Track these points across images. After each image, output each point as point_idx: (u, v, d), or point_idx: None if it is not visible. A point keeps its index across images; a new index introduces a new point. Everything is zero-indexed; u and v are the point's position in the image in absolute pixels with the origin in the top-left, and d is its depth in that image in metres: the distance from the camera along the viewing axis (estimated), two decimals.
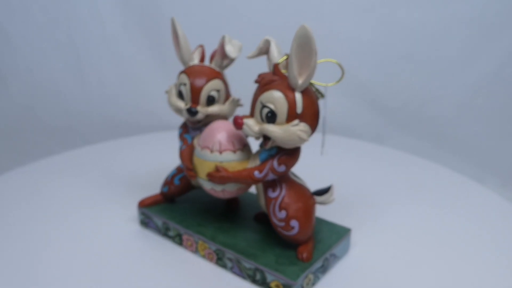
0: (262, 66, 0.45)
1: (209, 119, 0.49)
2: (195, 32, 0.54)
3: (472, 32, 1.06)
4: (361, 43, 1.09)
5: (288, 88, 0.40)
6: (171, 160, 0.67)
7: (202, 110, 0.48)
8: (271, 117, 0.40)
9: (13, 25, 1.09)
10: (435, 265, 0.48)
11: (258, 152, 0.44)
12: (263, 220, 0.51)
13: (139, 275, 0.46)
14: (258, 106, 0.41)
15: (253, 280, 0.44)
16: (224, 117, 0.50)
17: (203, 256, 0.49)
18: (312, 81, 0.42)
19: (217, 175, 0.44)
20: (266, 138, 0.42)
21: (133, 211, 0.59)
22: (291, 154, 0.42)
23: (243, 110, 0.49)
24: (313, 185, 0.49)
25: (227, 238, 0.48)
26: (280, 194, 0.43)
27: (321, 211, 0.55)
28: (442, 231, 0.55)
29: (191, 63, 0.49)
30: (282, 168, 0.42)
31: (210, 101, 0.48)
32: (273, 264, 0.43)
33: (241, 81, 0.55)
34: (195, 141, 0.48)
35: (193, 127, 0.50)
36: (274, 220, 0.44)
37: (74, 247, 0.51)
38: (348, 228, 0.49)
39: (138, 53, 1.14)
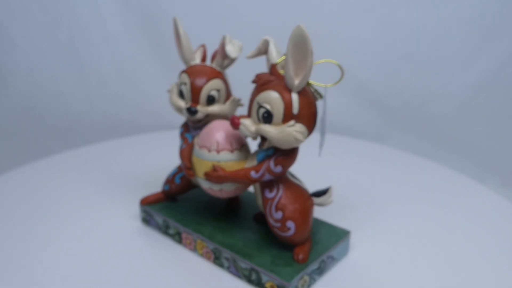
0: (263, 66, 0.45)
1: (209, 118, 0.49)
2: (197, 31, 0.54)
3: (472, 31, 1.06)
4: (361, 42, 1.10)
5: (284, 88, 0.39)
6: (172, 159, 0.67)
7: (202, 110, 0.48)
8: (268, 118, 0.40)
9: (14, 24, 1.10)
10: (436, 269, 0.48)
11: (256, 152, 0.44)
12: (262, 220, 0.51)
13: (138, 272, 0.47)
14: (255, 106, 0.41)
15: (249, 280, 0.44)
16: (224, 116, 0.50)
17: (201, 255, 0.49)
18: (311, 81, 0.42)
19: (214, 175, 0.44)
20: (263, 138, 0.42)
21: (135, 209, 0.59)
22: (288, 155, 0.42)
23: (244, 110, 0.49)
24: (313, 186, 0.49)
25: (225, 237, 0.48)
26: (277, 194, 0.43)
27: (321, 212, 0.54)
28: (443, 232, 0.55)
29: (193, 63, 0.50)
30: (278, 169, 0.42)
31: (210, 100, 0.48)
32: (268, 264, 0.43)
33: (242, 81, 0.55)
34: (195, 140, 0.48)
35: (193, 126, 0.50)
36: (271, 221, 0.44)
37: (76, 245, 0.52)
38: (347, 230, 0.49)
39: (139, 52, 1.14)
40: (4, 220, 0.58)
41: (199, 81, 0.47)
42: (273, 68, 0.41)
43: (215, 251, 0.47)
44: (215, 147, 0.44)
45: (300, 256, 0.43)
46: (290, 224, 0.43)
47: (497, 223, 0.57)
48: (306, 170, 0.53)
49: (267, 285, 0.43)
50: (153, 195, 0.56)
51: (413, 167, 0.76)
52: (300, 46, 0.37)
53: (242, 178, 0.43)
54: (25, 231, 0.55)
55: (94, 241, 0.53)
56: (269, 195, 0.44)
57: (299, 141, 0.40)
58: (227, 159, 0.44)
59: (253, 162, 0.44)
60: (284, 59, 0.41)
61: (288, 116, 0.39)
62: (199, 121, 0.49)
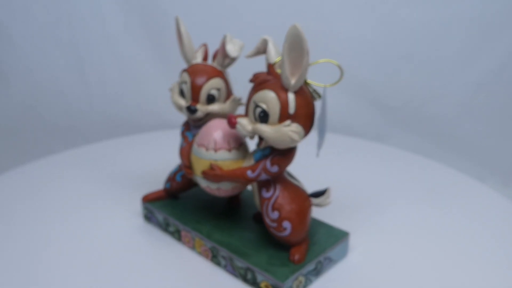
0: (265, 65, 0.45)
1: (210, 117, 0.50)
2: (198, 31, 0.54)
3: (472, 31, 1.06)
4: (361, 42, 1.09)
5: (281, 88, 0.39)
6: (172, 158, 0.67)
7: (202, 109, 0.48)
8: (264, 117, 0.40)
9: (15, 24, 1.11)
10: (437, 271, 0.47)
11: (253, 152, 0.44)
12: (261, 220, 0.51)
13: (137, 269, 0.47)
14: (251, 106, 0.41)
15: (245, 279, 0.44)
16: (224, 115, 0.50)
17: (200, 253, 0.49)
18: (310, 81, 0.42)
19: (211, 173, 0.44)
20: (261, 137, 0.42)
21: (137, 207, 0.60)
22: (285, 154, 0.42)
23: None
24: (313, 185, 0.49)
25: (222, 236, 0.48)
26: (274, 194, 0.43)
27: (321, 213, 0.54)
28: (444, 232, 0.55)
29: (194, 62, 0.50)
30: (274, 169, 0.42)
31: (210, 99, 0.49)
32: (264, 264, 0.43)
33: (244, 80, 0.55)
34: (194, 139, 0.49)
35: (194, 125, 0.51)
36: (267, 221, 0.44)
37: (78, 242, 0.52)
38: (346, 232, 0.49)
39: (140, 52, 1.14)
40: (5, 220, 0.58)
41: (199, 80, 0.48)
42: (270, 67, 0.41)
43: (212, 249, 0.47)
44: (213, 146, 0.44)
45: (296, 257, 0.43)
46: (286, 224, 0.43)
47: (498, 222, 0.57)
48: (306, 170, 0.53)
49: (262, 284, 0.43)
50: (155, 193, 0.56)
51: (414, 166, 0.76)
52: (296, 46, 0.37)
53: (238, 177, 0.43)
54: (27, 230, 0.55)
55: (96, 238, 0.53)
56: (266, 194, 0.43)
57: (294, 141, 0.39)
58: (225, 158, 0.44)
59: (250, 162, 0.44)
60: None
61: (284, 115, 0.39)
62: (200, 119, 0.50)
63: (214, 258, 0.48)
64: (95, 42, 1.13)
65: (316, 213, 0.54)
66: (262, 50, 0.44)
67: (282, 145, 0.40)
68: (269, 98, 0.39)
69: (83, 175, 0.71)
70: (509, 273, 0.47)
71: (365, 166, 0.76)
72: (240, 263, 0.44)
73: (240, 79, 0.53)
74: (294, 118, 0.39)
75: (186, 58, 0.50)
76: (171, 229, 0.53)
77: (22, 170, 0.73)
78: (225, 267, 0.47)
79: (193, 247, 0.50)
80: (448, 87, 1.10)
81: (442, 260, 0.49)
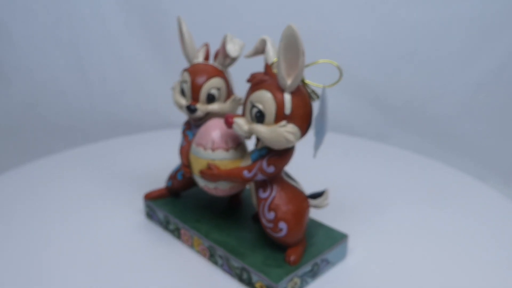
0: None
1: (210, 117, 0.50)
2: (199, 31, 0.54)
3: (473, 30, 1.06)
4: (362, 42, 1.09)
5: (277, 88, 0.39)
6: (173, 157, 0.67)
7: (202, 108, 0.48)
8: (260, 117, 0.40)
9: (15, 24, 1.11)
10: (438, 273, 0.47)
11: (251, 152, 0.44)
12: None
13: (135, 266, 0.48)
14: (248, 106, 0.41)
15: (240, 279, 0.45)
16: (225, 115, 0.50)
17: (198, 252, 0.50)
18: (308, 81, 0.41)
19: (209, 173, 0.44)
20: (258, 138, 0.42)
21: (139, 205, 0.60)
22: (281, 155, 0.42)
23: None
24: (313, 185, 0.48)
25: (220, 235, 0.48)
26: (271, 195, 0.43)
27: (322, 214, 0.54)
28: (444, 232, 0.54)
29: (195, 61, 0.50)
30: (271, 169, 0.42)
31: (210, 99, 0.49)
32: (259, 264, 0.43)
33: (245, 80, 0.55)
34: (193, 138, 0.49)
35: (195, 124, 0.51)
36: (263, 221, 0.43)
37: (79, 241, 0.52)
38: (344, 234, 0.48)
39: (140, 51, 1.15)
40: (6, 220, 0.58)
41: (199, 80, 0.48)
42: (267, 67, 0.41)
43: (210, 248, 0.48)
44: (211, 146, 0.44)
45: (292, 258, 0.43)
46: (282, 225, 0.43)
47: (499, 222, 0.57)
48: (306, 170, 0.53)
49: (257, 285, 0.43)
50: (157, 191, 0.56)
51: (414, 166, 0.76)
52: (291, 46, 0.37)
53: (235, 177, 0.43)
54: (28, 229, 0.55)
55: (98, 236, 0.54)
56: (263, 195, 0.43)
57: (290, 142, 0.39)
58: (222, 158, 0.44)
59: (248, 162, 0.44)
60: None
61: (280, 116, 0.39)
62: (200, 119, 0.50)
63: (212, 257, 0.48)
64: (96, 41, 1.14)
65: (316, 214, 0.54)
66: (260, 50, 0.44)
67: (277, 146, 0.40)
68: (265, 99, 0.39)
69: (84, 175, 0.71)
70: (510, 273, 0.47)
71: (365, 165, 0.76)
72: (236, 262, 0.44)
73: (241, 79, 0.53)
74: (290, 118, 0.39)
75: (188, 58, 0.50)
76: (171, 227, 0.53)
77: (23, 170, 0.73)
78: (222, 267, 0.47)
79: (192, 246, 0.50)
80: (449, 87, 1.11)
81: (443, 262, 0.48)
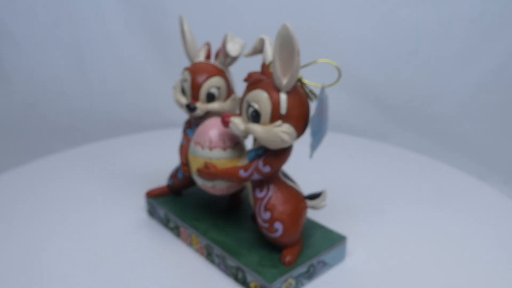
0: None
1: (210, 115, 0.50)
2: (201, 30, 0.55)
3: (473, 30, 1.06)
4: (362, 41, 1.09)
5: (273, 88, 0.39)
6: (174, 157, 0.67)
7: (202, 107, 0.49)
8: (256, 117, 0.40)
9: (16, 24, 1.12)
10: (438, 276, 0.46)
11: (249, 152, 0.44)
12: None
13: (134, 263, 0.48)
14: (244, 105, 0.41)
15: (236, 279, 0.45)
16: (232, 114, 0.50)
17: (196, 250, 0.50)
18: (306, 81, 0.41)
19: (205, 172, 0.44)
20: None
21: (140, 204, 0.60)
22: (278, 155, 0.42)
23: None
24: (313, 185, 0.49)
25: (218, 234, 0.48)
26: (267, 195, 0.43)
27: (322, 215, 0.53)
28: (445, 231, 0.54)
29: (197, 60, 0.50)
30: (267, 169, 0.42)
31: (210, 98, 0.49)
32: (254, 264, 0.43)
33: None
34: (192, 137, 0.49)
35: (195, 123, 0.51)
36: (259, 221, 0.43)
37: (80, 240, 0.53)
38: (343, 235, 0.48)
39: (141, 51, 1.15)
40: (7, 219, 0.58)
41: (199, 78, 0.48)
42: (264, 67, 0.41)
43: (207, 247, 0.48)
44: (208, 144, 0.44)
45: (287, 258, 0.43)
46: (278, 225, 0.42)
47: (499, 221, 0.57)
48: (306, 170, 0.53)
49: (252, 285, 0.42)
50: (158, 189, 0.57)
51: (414, 165, 0.76)
52: (286, 46, 0.36)
53: (231, 176, 0.43)
54: (30, 228, 0.55)
55: (99, 234, 0.54)
56: (259, 194, 0.43)
57: (285, 142, 0.39)
58: (219, 157, 0.44)
59: (245, 161, 0.44)
60: None
61: (275, 116, 0.39)
62: (200, 118, 0.50)
63: (209, 256, 0.48)
64: (96, 41, 1.14)
65: (316, 214, 0.53)
66: (259, 49, 0.44)
67: (273, 146, 0.40)
68: (261, 98, 0.39)
69: (84, 174, 0.71)
70: (511, 272, 0.46)
71: (365, 165, 0.75)
72: (231, 262, 0.44)
73: (243, 78, 0.53)
74: (285, 118, 0.39)
75: (189, 57, 0.51)
76: (171, 225, 0.53)
77: (23, 169, 0.73)
78: (218, 265, 0.47)
79: (190, 244, 0.51)
80: (449, 87, 1.11)
81: (444, 264, 0.48)
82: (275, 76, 0.38)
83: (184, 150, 0.49)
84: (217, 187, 0.46)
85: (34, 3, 1.12)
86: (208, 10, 1.08)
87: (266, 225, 0.43)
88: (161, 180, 0.62)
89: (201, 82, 0.48)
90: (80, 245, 0.52)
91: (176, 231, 0.53)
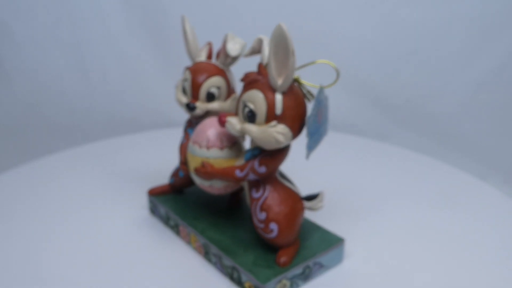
0: None
1: (210, 115, 0.50)
2: (202, 29, 0.55)
3: (474, 29, 1.06)
4: (362, 41, 1.09)
5: (269, 88, 0.39)
6: (175, 156, 0.67)
7: (202, 106, 0.49)
8: (251, 117, 0.40)
9: (17, 24, 1.13)
10: (439, 279, 0.46)
11: (246, 152, 0.44)
12: None
13: (133, 261, 0.49)
14: (240, 105, 0.41)
15: (231, 278, 0.45)
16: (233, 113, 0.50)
17: (195, 249, 0.50)
18: (304, 81, 0.41)
19: (202, 171, 0.44)
20: None
21: (142, 202, 0.61)
22: (273, 155, 0.41)
23: None
24: (313, 185, 0.49)
25: (215, 233, 0.48)
26: (263, 195, 0.43)
27: (321, 216, 0.53)
28: (445, 231, 0.54)
29: (198, 60, 0.50)
30: (262, 169, 0.42)
31: (210, 97, 0.49)
32: (249, 264, 0.43)
33: None
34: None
35: (196, 122, 0.51)
36: (255, 221, 0.43)
37: (81, 238, 0.53)
38: (340, 237, 0.47)
39: (141, 51, 1.15)
40: (8, 219, 0.58)
41: (199, 78, 0.48)
42: (260, 67, 0.41)
43: (205, 246, 0.48)
44: (205, 144, 0.45)
45: (282, 259, 0.43)
46: (273, 226, 0.42)
47: (499, 220, 0.57)
48: (306, 170, 0.53)
49: (246, 284, 0.42)
50: (160, 187, 0.57)
51: (414, 164, 0.75)
52: (281, 46, 0.36)
53: (227, 176, 0.43)
54: (31, 228, 0.56)
55: (100, 233, 0.54)
56: (255, 195, 0.43)
57: (280, 143, 0.39)
58: (216, 156, 0.44)
59: (242, 161, 0.44)
60: None
61: (270, 116, 0.39)
62: (200, 117, 0.50)
63: (207, 254, 0.48)
64: (97, 41, 1.15)
65: (315, 215, 0.53)
66: (257, 49, 0.44)
67: (268, 146, 0.40)
68: (256, 98, 0.39)
69: (85, 174, 0.71)
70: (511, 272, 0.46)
71: (365, 164, 0.75)
72: (227, 261, 0.44)
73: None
74: (281, 119, 0.39)
75: (191, 56, 0.51)
76: (171, 223, 0.54)
77: (24, 169, 0.73)
78: (215, 265, 0.47)
79: (189, 242, 0.51)
80: (449, 86, 1.10)
81: (444, 265, 0.48)
82: (271, 76, 0.38)
83: (183, 149, 0.50)
84: (215, 187, 0.46)
85: (34, 3, 1.13)
86: (208, 10, 1.08)
87: (261, 225, 0.43)
88: (162, 179, 0.63)
89: (201, 81, 0.48)
90: (80, 245, 0.52)
91: (176, 229, 0.53)
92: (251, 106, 0.39)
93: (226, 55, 0.49)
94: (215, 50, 0.51)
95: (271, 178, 0.43)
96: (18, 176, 0.71)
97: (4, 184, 0.68)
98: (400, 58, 1.10)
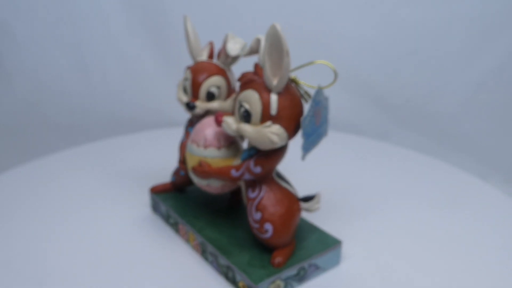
0: None
1: (211, 114, 0.50)
2: (203, 29, 0.55)
3: (474, 29, 1.06)
4: (363, 41, 1.09)
5: (264, 88, 0.39)
6: (176, 155, 0.66)
7: (201, 106, 0.49)
8: (247, 117, 0.40)
9: (18, 23, 1.14)
10: (438, 278, 0.45)
11: (243, 151, 0.44)
12: None
13: (132, 258, 0.49)
14: (237, 105, 0.41)
15: (226, 277, 0.45)
16: (230, 113, 0.50)
17: (193, 247, 0.50)
18: (301, 82, 0.41)
19: (199, 169, 0.45)
20: None
21: (144, 200, 0.61)
22: (269, 156, 0.41)
23: None
24: (312, 185, 0.50)
25: (213, 232, 0.48)
26: (259, 195, 0.43)
27: (321, 217, 0.53)
28: (445, 231, 0.54)
29: (199, 59, 0.51)
30: (257, 169, 0.41)
31: (210, 97, 0.49)
32: (243, 264, 0.43)
33: None
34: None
35: (197, 121, 0.52)
36: (250, 221, 0.43)
37: (82, 237, 0.53)
38: (338, 240, 0.47)
39: (142, 50, 1.15)
40: (8, 219, 0.58)
41: (199, 77, 0.49)
42: (257, 67, 0.41)
43: (202, 244, 0.48)
44: (203, 143, 0.45)
45: (277, 260, 0.43)
46: (268, 226, 0.42)
47: (500, 220, 0.57)
48: (306, 169, 0.52)
49: (240, 284, 0.43)
50: (162, 185, 0.58)
51: (415, 164, 0.75)
52: (275, 46, 0.36)
53: (224, 175, 0.43)
54: (32, 227, 0.56)
55: (101, 231, 0.54)
56: (252, 195, 0.43)
57: (274, 143, 0.39)
58: (213, 156, 0.44)
59: (239, 161, 0.44)
60: None
61: (265, 116, 0.39)
62: (200, 116, 0.50)
63: (204, 253, 0.48)
64: (97, 41, 1.15)
65: (315, 215, 0.53)
66: (255, 49, 0.43)
67: (262, 146, 0.40)
68: (252, 98, 0.39)
69: (86, 173, 0.71)
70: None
71: (365, 164, 0.75)
72: (223, 260, 0.45)
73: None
74: (276, 119, 0.39)
75: (192, 56, 0.51)
76: (171, 221, 0.54)
77: (25, 168, 0.73)
78: (212, 263, 0.47)
79: (188, 241, 0.51)
80: (449, 86, 1.10)
81: (444, 266, 0.47)
82: (266, 76, 0.38)
83: (183, 147, 0.50)
84: (212, 186, 0.46)
85: (35, 3, 1.13)
86: (209, 10, 1.08)
87: (256, 225, 0.43)
88: (163, 179, 0.63)
89: (201, 81, 0.48)
90: (80, 244, 0.52)
91: (175, 227, 0.53)
92: (247, 106, 0.39)
93: (227, 54, 0.49)
94: (216, 49, 0.52)
95: (268, 178, 0.43)
96: (18, 176, 0.71)
97: (4, 184, 0.68)
98: (400, 58, 1.11)
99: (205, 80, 0.48)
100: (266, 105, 0.39)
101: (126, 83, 1.18)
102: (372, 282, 0.45)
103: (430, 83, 1.11)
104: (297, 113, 0.40)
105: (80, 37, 1.16)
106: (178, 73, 0.54)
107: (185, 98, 0.50)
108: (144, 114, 1.16)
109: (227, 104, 0.50)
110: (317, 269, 0.45)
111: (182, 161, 0.49)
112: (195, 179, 0.47)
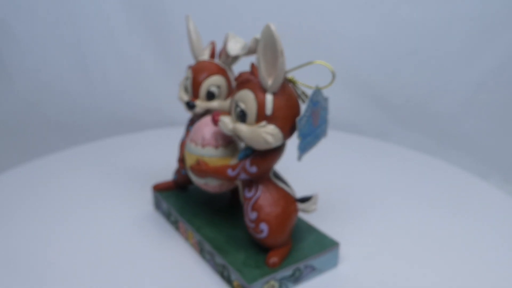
0: None
1: (211, 113, 0.50)
2: (202, 29, 0.55)
3: (475, 28, 1.05)
4: (363, 41, 1.09)
5: (260, 88, 0.39)
6: (177, 155, 0.66)
7: (201, 105, 0.49)
8: (242, 116, 0.40)
9: (19, 23, 1.14)
10: (438, 279, 0.45)
11: (240, 151, 0.44)
12: None
13: (132, 255, 0.50)
14: (233, 105, 0.41)
15: (222, 276, 0.45)
16: (227, 112, 0.51)
17: (192, 245, 0.51)
18: (298, 82, 0.41)
19: (197, 168, 0.45)
20: None
21: (147, 198, 0.62)
22: (265, 156, 0.41)
23: None
24: (312, 184, 0.48)
25: (210, 231, 0.49)
26: (255, 195, 0.43)
27: (320, 217, 0.53)
28: (445, 230, 0.54)
29: (201, 59, 0.51)
30: (253, 169, 0.41)
31: (210, 96, 0.49)
32: (238, 263, 0.43)
33: None
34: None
35: (198, 120, 0.52)
36: (246, 220, 0.43)
37: (82, 237, 0.54)
38: (335, 241, 0.46)
39: (143, 50, 1.15)
40: (9, 219, 0.58)
41: (199, 77, 0.49)
42: (253, 67, 0.41)
43: (200, 243, 0.48)
44: (201, 142, 0.45)
45: (272, 260, 0.43)
46: (263, 226, 0.42)
47: (500, 220, 0.57)
48: (306, 169, 0.52)
49: (235, 283, 0.43)
50: (165, 183, 0.58)
51: (415, 164, 0.75)
52: (270, 46, 0.36)
53: (220, 175, 0.43)
54: (33, 227, 0.56)
55: (101, 231, 0.55)
56: (248, 194, 0.43)
57: (269, 143, 0.39)
58: (211, 155, 0.45)
59: (236, 160, 0.44)
60: None
61: (261, 116, 0.39)
62: (201, 115, 0.51)
63: (202, 251, 0.49)
64: (98, 40, 1.16)
65: (314, 215, 0.53)
66: (253, 49, 0.44)
67: (257, 146, 0.40)
68: (247, 98, 0.39)
69: (86, 173, 0.71)
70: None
71: (366, 163, 0.75)
72: (219, 259, 0.45)
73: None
74: (271, 119, 0.39)
75: (194, 55, 0.51)
76: (172, 219, 0.55)
77: (25, 168, 0.74)
78: (209, 262, 0.47)
79: (187, 239, 0.52)
80: (449, 86, 1.10)
81: (445, 266, 0.47)
82: (261, 76, 0.38)
83: (183, 146, 0.50)
84: (210, 184, 0.46)
85: (35, 2, 1.14)
86: (209, 10, 1.09)
87: (252, 225, 0.43)
88: (163, 178, 0.63)
89: (201, 80, 0.49)
90: (80, 244, 0.52)
91: (176, 225, 0.54)
92: (242, 105, 0.39)
93: (227, 54, 0.49)
94: (218, 49, 0.52)
95: (264, 178, 0.43)
96: (18, 176, 0.71)
97: (4, 184, 0.68)
98: (400, 58, 1.10)
99: (205, 80, 0.49)
100: (261, 105, 0.39)
101: (126, 83, 1.19)
102: (369, 284, 0.45)
103: (430, 83, 1.11)
104: (293, 113, 0.40)
105: (80, 37, 1.17)
106: (178, 73, 0.54)
107: (185, 97, 0.50)
108: (144, 114, 1.16)
109: (227, 103, 0.50)
110: (313, 270, 0.45)
111: (181, 160, 0.49)
112: (193, 178, 0.47)
